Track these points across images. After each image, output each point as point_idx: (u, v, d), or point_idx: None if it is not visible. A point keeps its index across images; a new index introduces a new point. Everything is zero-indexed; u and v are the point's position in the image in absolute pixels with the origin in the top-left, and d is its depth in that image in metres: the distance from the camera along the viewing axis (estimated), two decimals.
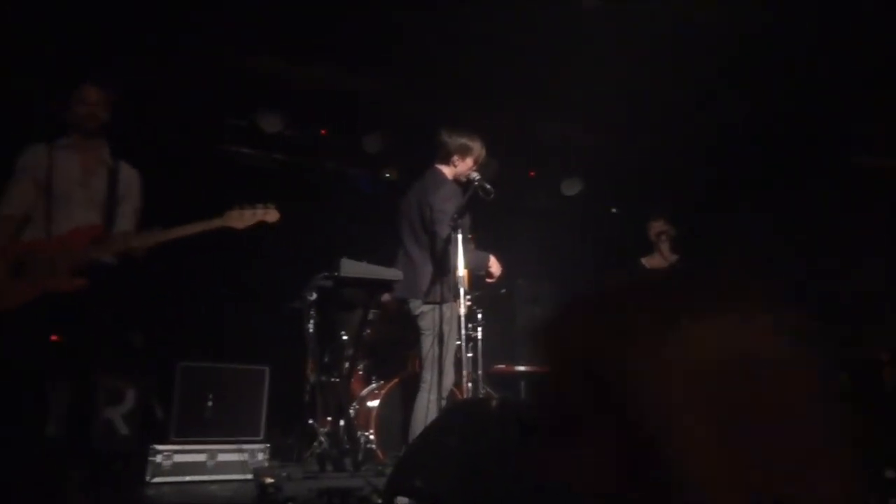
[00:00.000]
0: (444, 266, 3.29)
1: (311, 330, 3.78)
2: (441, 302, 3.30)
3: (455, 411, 2.21)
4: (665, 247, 4.42)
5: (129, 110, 4.28)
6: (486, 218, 3.91)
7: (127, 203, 2.93)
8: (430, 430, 2.07)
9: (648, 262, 4.49)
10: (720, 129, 5.02)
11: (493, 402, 1.87)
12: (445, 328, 3.24)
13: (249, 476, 3.84)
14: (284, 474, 2.94)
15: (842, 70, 4.28)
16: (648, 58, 4.33)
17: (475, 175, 3.39)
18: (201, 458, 3.91)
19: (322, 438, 3.56)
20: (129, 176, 2.98)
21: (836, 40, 4.04)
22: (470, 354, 4.25)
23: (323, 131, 5.40)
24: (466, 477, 1.69)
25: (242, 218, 2.84)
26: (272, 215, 2.90)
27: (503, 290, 5.13)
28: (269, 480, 2.92)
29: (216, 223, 2.81)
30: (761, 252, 4.94)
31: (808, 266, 4.76)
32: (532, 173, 6.19)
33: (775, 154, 4.98)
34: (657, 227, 4.46)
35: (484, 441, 1.75)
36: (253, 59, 4.61)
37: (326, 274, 3.40)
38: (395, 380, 4.05)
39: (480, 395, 4.23)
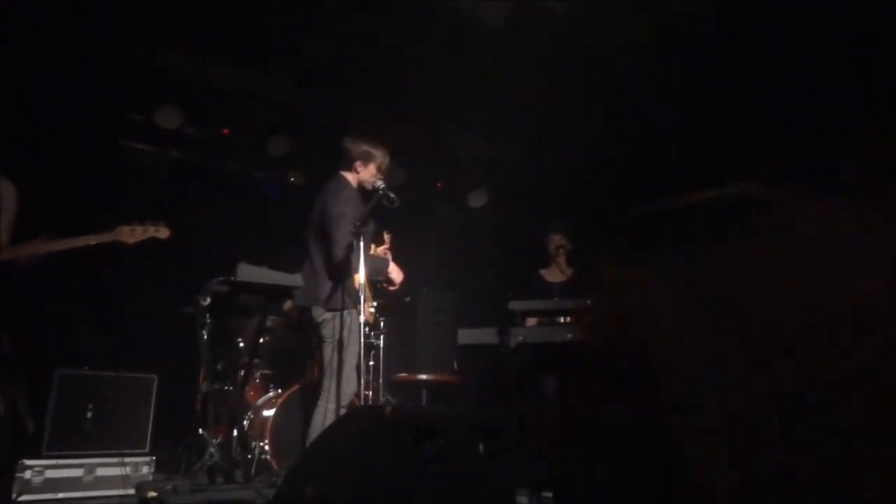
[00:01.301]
0: (342, 272, 3.27)
1: (204, 336, 3.65)
2: (342, 309, 3.28)
3: (348, 419, 2.20)
4: (562, 260, 4.62)
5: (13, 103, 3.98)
6: (392, 226, 3.92)
7: (2, 216, 2.93)
8: (322, 438, 2.05)
9: (547, 274, 4.67)
10: (615, 148, 5.32)
11: (387, 409, 1.89)
12: (346, 335, 3.21)
13: (132, 491, 3.62)
14: (169, 487, 2.81)
15: (725, 100, 4.67)
16: (550, 75, 4.54)
17: (380, 183, 3.39)
18: (77, 472, 3.64)
19: (213, 449, 3.43)
20: (5, 190, 2.97)
21: (717, 70, 4.41)
22: (372, 363, 4.24)
23: (226, 130, 5.21)
24: (359, 482, 1.70)
25: (133, 234, 3.03)
26: (163, 232, 3.12)
27: (407, 299, 5.15)
28: (153, 494, 2.77)
29: (106, 237, 2.96)
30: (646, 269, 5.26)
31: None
32: (439, 184, 6.27)
33: (658, 174, 5.34)
34: (556, 240, 4.64)
35: (378, 446, 1.76)
36: (152, 52, 4.38)
37: (222, 278, 3.29)
38: (293, 388, 3.96)
39: (380, 404, 4.22)
